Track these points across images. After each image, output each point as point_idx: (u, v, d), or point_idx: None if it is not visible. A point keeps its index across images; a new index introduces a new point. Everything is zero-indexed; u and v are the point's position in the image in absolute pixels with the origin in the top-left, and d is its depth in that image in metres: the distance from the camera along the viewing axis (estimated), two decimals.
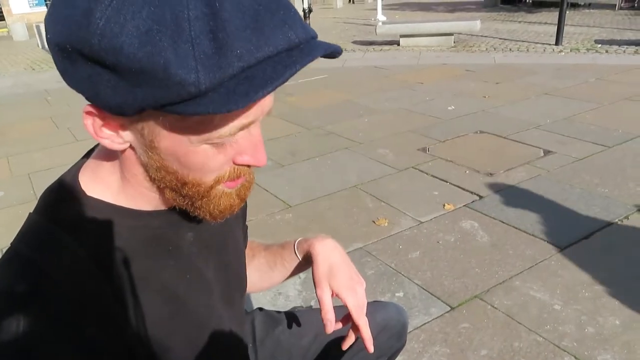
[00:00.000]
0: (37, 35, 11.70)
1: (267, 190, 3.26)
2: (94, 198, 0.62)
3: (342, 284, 0.92)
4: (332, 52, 0.51)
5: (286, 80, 0.47)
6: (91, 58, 0.46)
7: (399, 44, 8.61)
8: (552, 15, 10.96)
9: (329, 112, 5.04)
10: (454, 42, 8.36)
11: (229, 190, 0.61)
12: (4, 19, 15.65)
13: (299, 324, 1.10)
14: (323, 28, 11.73)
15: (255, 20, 0.46)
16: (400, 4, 16.91)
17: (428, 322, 2.00)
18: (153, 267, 0.64)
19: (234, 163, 0.58)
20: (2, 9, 15.62)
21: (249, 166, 0.60)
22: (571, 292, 2.11)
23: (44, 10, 10.27)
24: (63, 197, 0.62)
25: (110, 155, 0.61)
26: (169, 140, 0.53)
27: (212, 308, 0.73)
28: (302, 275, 2.33)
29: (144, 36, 0.43)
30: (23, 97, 6.73)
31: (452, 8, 14.09)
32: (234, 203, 0.63)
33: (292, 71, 0.47)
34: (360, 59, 7.95)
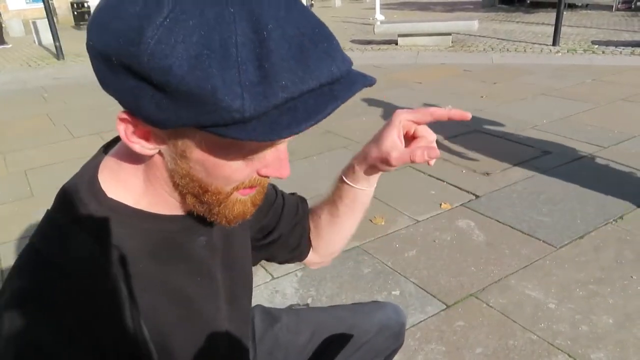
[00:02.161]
0: (33, 32, 11.64)
1: None
2: (114, 200, 0.62)
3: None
4: (370, 84, 0.53)
5: (328, 114, 0.48)
6: (138, 74, 0.46)
7: (397, 44, 8.61)
8: (550, 16, 10.98)
9: None
10: (452, 42, 8.37)
11: (244, 197, 0.63)
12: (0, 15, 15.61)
13: (297, 322, 1.10)
14: None
15: (300, 51, 0.47)
16: (399, 3, 16.92)
17: (424, 320, 2.01)
18: (166, 270, 0.66)
19: (258, 174, 0.60)
20: None
21: (268, 177, 0.62)
22: (565, 291, 2.13)
23: (40, 6, 10.20)
24: (83, 196, 0.62)
25: (133, 156, 0.61)
26: (201, 154, 0.54)
27: (219, 309, 0.74)
28: (298, 273, 2.35)
29: (194, 60, 0.44)
30: (19, 93, 6.72)
31: (451, 8, 14.10)
32: (247, 210, 0.64)
33: (334, 106, 0.48)
34: (359, 58, 7.95)
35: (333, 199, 0.94)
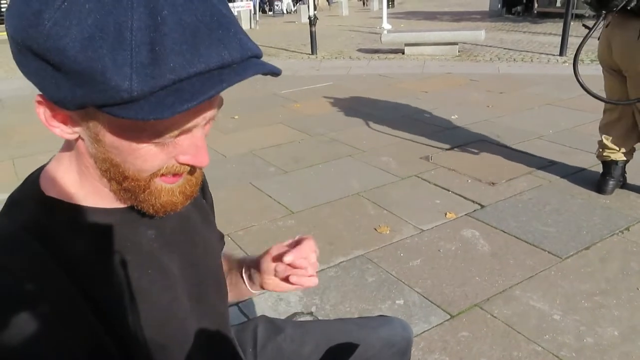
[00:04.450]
0: None
1: (269, 196, 3.28)
2: (52, 198, 0.64)
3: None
4: (268, 72, 0.55)
5: (212, 96, 0.50)
6: (38, 54, 0.50)
7: (403, 53, 8.64)
8: (557, 26, 10.97)
9: (332, 120, 5.07)
10: (459, 52, 8.39)
11: (169, 186, 0.64)
12: None
13: (301, 334, 1.10)
14: (328, 36, 11.78)
15: (193, 36, 0.50)
16: (406, 12, 16.98)
17: (428, 330, 2.01)
18: (114, 264, 0.66)
19: (177, 161, 0.61)
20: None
21: (191, 166, 0.63)
22: (571, 303, 2.12)
23: None
24: (24, 198, 0.66)
25: (68, 150, 0.65)
26: (111, 137, 0.56)
27: (177, 303, 0.75)
28: None
29: (87, 41, 0.47)
30: (29, 99, 6.71)
31: (458, 17, 14.13)
32: (176, 200, 0.65)
33: (219, 88, 0.50)
34: (365, 67, 7.99)
35: (230, 273, 1.00)
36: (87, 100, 0.50)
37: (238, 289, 0.98)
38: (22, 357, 0.55)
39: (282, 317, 1.72)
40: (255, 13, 16.68)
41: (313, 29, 9.10)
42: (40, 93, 0.56)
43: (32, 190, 0.66)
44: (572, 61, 2.76)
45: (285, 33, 13.45)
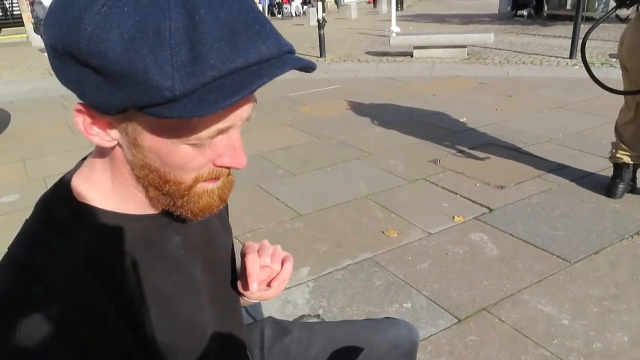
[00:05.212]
0: None
1: (277, 199, 3.28)
2: (84, 203, 0.65)
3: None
4: (305, 67, 0.55)
5: (254, 90, 0.50)
6: (79, 60, 0.50)
7: (412, 55, 8.63)
8: (567, 29, 10.91)
9: (341, 122, 5.07)
10: (468, 54, 8.37)
11: (210, 187, 0.64)
12: (23, 25, 15.94)
13: (308, 335, 1.10)
14: (337, 38, 11.80)
15: (231, 33, 0.50)
16: (415, 15, 16.96)
17: (435, 333, 2.00)
18: (141, 269, 0.67)
19: (214, 165, 0.62)
20: (22, 15, 15.92)
21: (228, 168, 0.63)
22: (579, 307, 2.10)
23: None
24: (57, 202, 0.66)
25: (101, 156, 0.65)
26: (151, 140, 0.57)
27: (200, 308, 0.76)
28: (310, 284, 2.35)
29: (127, 43, 0.48)
30: (40, 101, 6.85)
31: (467, 20, 14.10)
32: (213, 203, 0.66)
33: (260, 82, 0.51)
34: (373, 70, 7.99)
35: None
36: (129, 103, 0.51)
37: None
38: (41, 355, 0.56)
39: (289, 320, 1.72)
40: None
41: (322, 32, 9.12)
42: (80, 102, 0.57)
43: (63, 193, 0.66)
44: (582, 65, 2.74)
45: (294, 36, 13.48)
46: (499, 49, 8.91)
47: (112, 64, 0.48)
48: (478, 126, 4.64)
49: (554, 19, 12.70)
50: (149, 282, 0.68)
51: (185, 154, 0.58)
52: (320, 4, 9.47)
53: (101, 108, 0.54)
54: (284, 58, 0.54)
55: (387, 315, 2.09)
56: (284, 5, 22.32)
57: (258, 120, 5.29)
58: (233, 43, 0.50)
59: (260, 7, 16.25)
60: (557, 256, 2.47)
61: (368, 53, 9.55)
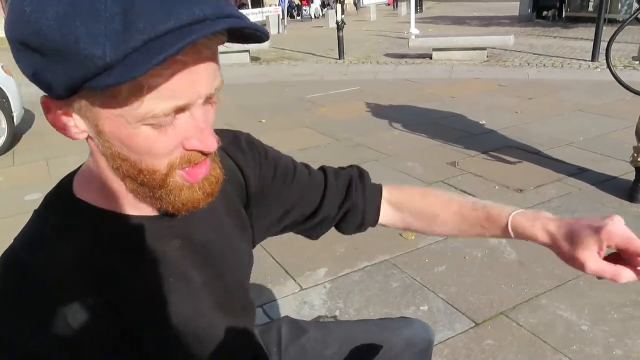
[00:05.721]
0: None
1: None
2: (81, 201, 0.65)
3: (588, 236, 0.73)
4: (245, 28, 0.53)
5: (180, 49, 0.49)
6: (28, 46, 0.51)
7: (431, 58, 8.59)
8: (589, 31, 10.75)
9: (358, 124, 5.07)
10: (487, 57, 8.31)
11: (189, 184, 0.63)
12: None
13: (324, 335, 1.10)
14: (356, 40, 11.80)
15: None
16: (434, 17, 16.88)
17: (452, 337, 1.99)
18: (134, 271, 0.66)
19: (184, 149, 0.60)
20: None
21: (202, 153, 0.61)
22: (599, 313, 2.08)
23: None
24: (56, 199, 0.67)
25: (94, 159, 0.65)
26: (109, 124, 0.56)
27: (199, 314, 0.74)
28: (327, 285, 2.36)
29: (62, 19, 0.49)
30: None
31: (487, 22, 13.98)
32: (197, 197, 0.64)
33: (188, 40, 0.49)
34: (392, 72, 7.97)
35: (470, 222, 0.91)
36: (68, 78, 0.51)
37: (479, 229, 0.90)
38: (34, 356, 0.57)
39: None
40: (283, 18, 16.82)
41: (340, 34, 9.13)
42: (45, 95, 0.57)
43: (64, 191, 0.67)
44: (604, 67, 2.71)
45: (312, 38, 13.52)
46: (519, 51, 8.82)
47: (49, 41, 0.49)
48: (497, 129, 4.60)
49: (576, 21, 12.53)
50: (143, 285, 0.67)
51: (147, 136, 0.57)
52: (339, 6, 9.49)
53: (54, 93, 0.54)
54: (221, 20, 0.52)
55: None
56: (303, 7, 22.39)
57: (276, 121, 5.32)
58: (166, 7, 0.50)
59: (279, 9, 16.21)
60: None
61: (387, 55, 9.53)
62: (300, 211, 0.93)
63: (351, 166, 1.05)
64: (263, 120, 5.36)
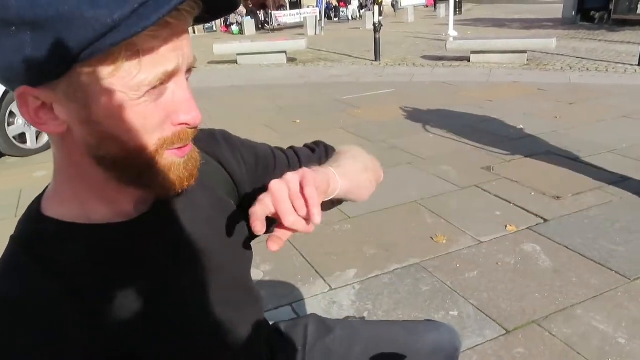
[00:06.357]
0: None
1: None
2: (49, 218, 0.63)
3: None
4: None
5: (174, 5, 0.50)
6: (13, 23, 0.49)
7: (469, 60, 8.47)
8: (636, 34, 10.40)
9: (394, 126, 5.05)
10: (527, 60, 8.13)
11: (178, 159, 0.62)
12: None
13: (350, 335, 1.10)
14: (392, 42, 11.73)
15: None
16: (473, 19, 16.63)
17: (481, 343, 1.96)
18: (115, 283, 0.64)
19: (173, 125, 0.60)
20: None
21: (187, 126, 0.61)
22: (638, 327, 2.01)
23: None
24: (26, 218, 0.66)
25: (60, 159, 0.63)
26: (104, 99, 0.54)
27: (187, 317, 0.72)
28: (356, 286, 2.36)
29: None
30: None
31: (528, 25, 13.68)
32: (182, 175, 0.63)
33: (176, 2, 0.50)
34: (429, 75, 7.90)
35: None
36: (71, 46, 0.50)
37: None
38: None
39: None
40: (320, 19, 16.89)
41: (377, 36, 9.10)
42: (22, 85, 0.54)
43: (32, 211, 0.66)
44: None
45: (349, 39, 13.52)
46: (561, 54, 8.60)
47: (45, 10, 0.48)
48: (535, 134, 4.49)
49: (623, 24, 12.13)
50: (125, 295, 0.64)
51: (145, 109, 0.56)
52: (376, 7, 9.46)
53: (45, 74, 0.52)
54: None
55: None
56: (341, 9, 22.42)
57: (310, 122, 5.35)
58: None
59: (317, 10, 16.30)
60: (616, 272, 2.37)
61: (424, 57, 9.45)
62: None
63: (316, 143, 1.07)
64: (298, 121, 5.39)
